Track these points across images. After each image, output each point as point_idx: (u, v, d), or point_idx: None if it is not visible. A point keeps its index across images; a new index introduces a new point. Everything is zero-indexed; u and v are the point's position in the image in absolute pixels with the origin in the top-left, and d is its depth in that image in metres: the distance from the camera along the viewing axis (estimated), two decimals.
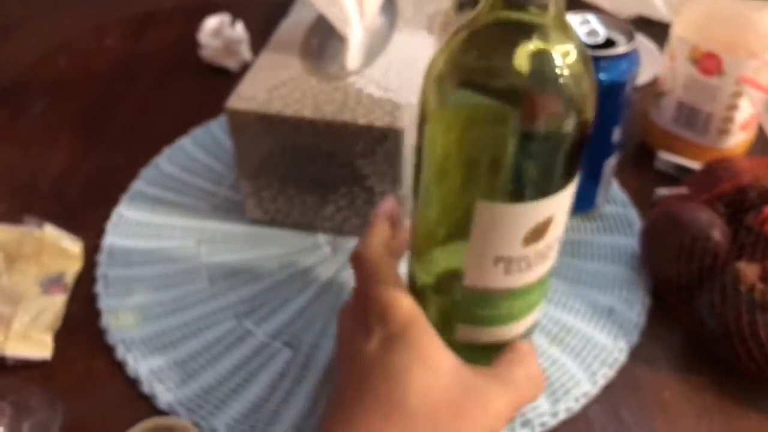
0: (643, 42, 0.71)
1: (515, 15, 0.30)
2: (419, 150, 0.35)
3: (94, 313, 0.49)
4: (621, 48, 0.47)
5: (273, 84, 0.50)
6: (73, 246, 0.52)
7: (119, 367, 0.45)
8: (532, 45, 0.30)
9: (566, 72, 0.30)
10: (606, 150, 0.51)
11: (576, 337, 0.46)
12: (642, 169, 0.59)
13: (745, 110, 0.54)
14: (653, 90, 0.59)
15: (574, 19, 0.50)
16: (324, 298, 0.49)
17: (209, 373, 0.45)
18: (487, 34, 0.31)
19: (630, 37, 0.48)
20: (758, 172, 0.48)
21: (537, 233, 0.34)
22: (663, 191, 0.54)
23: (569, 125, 0.31)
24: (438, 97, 0.32)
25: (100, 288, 0.50)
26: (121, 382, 0.45)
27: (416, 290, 0.39)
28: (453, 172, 0.34)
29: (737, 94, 0.53)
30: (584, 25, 0.49)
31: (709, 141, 0.56)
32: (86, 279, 0.51)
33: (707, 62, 0.53)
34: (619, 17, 0.75)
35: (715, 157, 0.53)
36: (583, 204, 0.53)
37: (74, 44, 0.80)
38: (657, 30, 0.64)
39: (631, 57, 0.48)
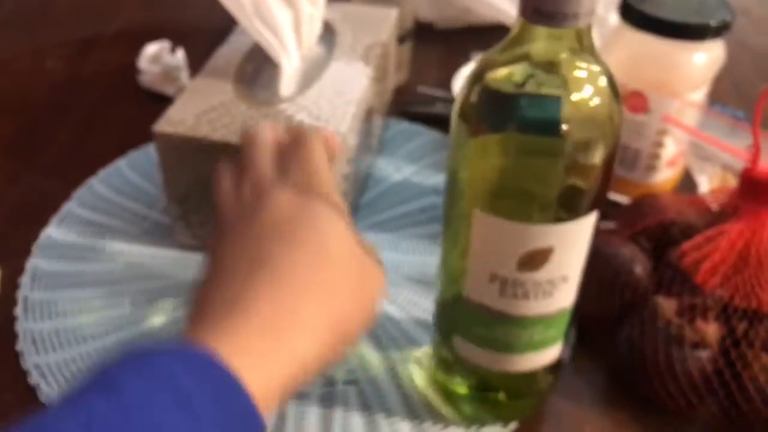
0: None
1: (550, 50, 0.31)
2: (453, 181, 0.36)
3: (11, 338, 0.47)
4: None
5: (203, 109, 0.50)
6: None
7: (32, 393, 0.44)
8: (573, 90, 0.31)
9: (601, 108, 0.32)
10: None
11: None
12: None
13: (671, 148, 0.55)
14: None
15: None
16: None
17: None
18: (526, 75, 0.31)
19: None
20: (681, 208, 0.49)
21: (533, 260, 0.34)
22: None
23: (596, 158, 0.32)
24: (479, 139, 0.33)
25: (19, 311, 0.49)
26: (32, 410, 0.43)
27: None
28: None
29: (663, 132, 0.54)
30: None
31: (638, 177, 0.57)
32: (8, 303, 0.50)
33: (634, 100, 0.54)
34: None
35: (643, 192, 0.54)
36: None
37: (13, 65, 0.78)
38: None
39: None
